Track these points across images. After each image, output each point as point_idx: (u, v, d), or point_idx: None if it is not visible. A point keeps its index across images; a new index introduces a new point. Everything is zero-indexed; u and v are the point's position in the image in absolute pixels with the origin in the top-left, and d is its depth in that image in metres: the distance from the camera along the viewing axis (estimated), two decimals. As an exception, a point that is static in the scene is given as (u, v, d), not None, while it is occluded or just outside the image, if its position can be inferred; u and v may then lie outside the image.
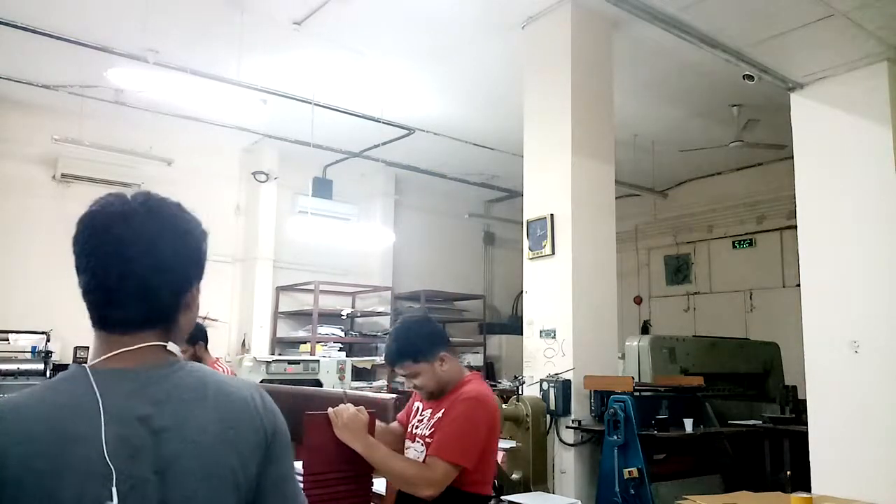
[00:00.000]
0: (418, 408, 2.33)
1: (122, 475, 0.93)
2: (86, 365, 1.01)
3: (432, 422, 2.18)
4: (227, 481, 1.01)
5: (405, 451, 2.26)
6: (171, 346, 1.07)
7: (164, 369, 1.04)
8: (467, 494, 2.10)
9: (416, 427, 2.26)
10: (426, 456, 2.11)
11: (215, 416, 1.03)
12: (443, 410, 2.17)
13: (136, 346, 1.02)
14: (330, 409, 2.00)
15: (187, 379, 1.05)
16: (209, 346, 4.09)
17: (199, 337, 3.96)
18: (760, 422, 5.23)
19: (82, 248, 1.06)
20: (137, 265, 1.02)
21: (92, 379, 0.98)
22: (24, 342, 6.12)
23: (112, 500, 0.91)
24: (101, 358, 1.02)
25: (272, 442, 1.08)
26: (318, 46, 5.46)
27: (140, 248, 1.03)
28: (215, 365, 3.93)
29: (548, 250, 4.72)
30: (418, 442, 2.20)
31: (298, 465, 1.93)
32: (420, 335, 2.25)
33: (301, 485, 1.83)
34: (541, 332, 4.75)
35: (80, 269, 1.05)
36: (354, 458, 2.00)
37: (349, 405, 2.04)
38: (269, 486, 1.07)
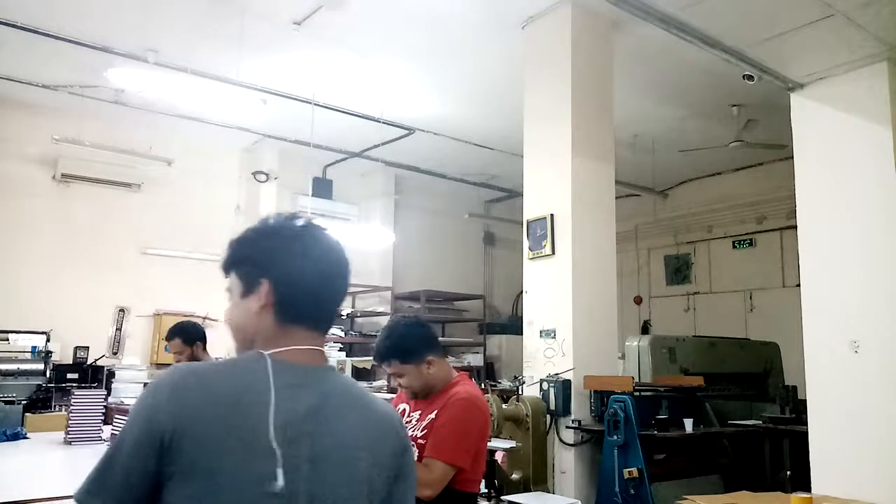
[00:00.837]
0: (405, 409, 2.33)
1: (283, 458, 1.00)
2: (264, 352, 1.09)
3: (423, 423, 2.19)
4: (364, 485, 1.07)
5: None
6: (327, 351, 1.19)
7: (327, 371, 1.14)
8: (459, 493, 2.12)
9: (408, 429, 2.26)
10: (423, 457, 2.11)
11: (364, 422, 1.11)
12: (435, 412, 2.18)
13: (307, 347, 1.12)
14: None
15: (342, 384, 1.15)
16: (208, 347, 4.08)
17: (196, 337, 3.95)
18: (760, 422, 5.23)
19: (299, 251, 1.14)
20: (344, 278, 1.19)
21: (269, 364, 1.06)
22: (24, 342, 6.12)
23: (277, 480, 0.98)
24: (278, 350, 1.10)
25: (404, 457, 1.16)
26: (318, 46, 5.46)
27: (343, 265, 1.19)
28: (214, 365, 3.92)
29: (548, 250, 4.72)
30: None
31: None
32: (410, 337, 2.25)
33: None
34: (541, 332, 4.75)
35: (291, 273, 1.13)
36: None
37: None
38: (397, 499, 1.14)
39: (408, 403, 2.34)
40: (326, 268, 1.16)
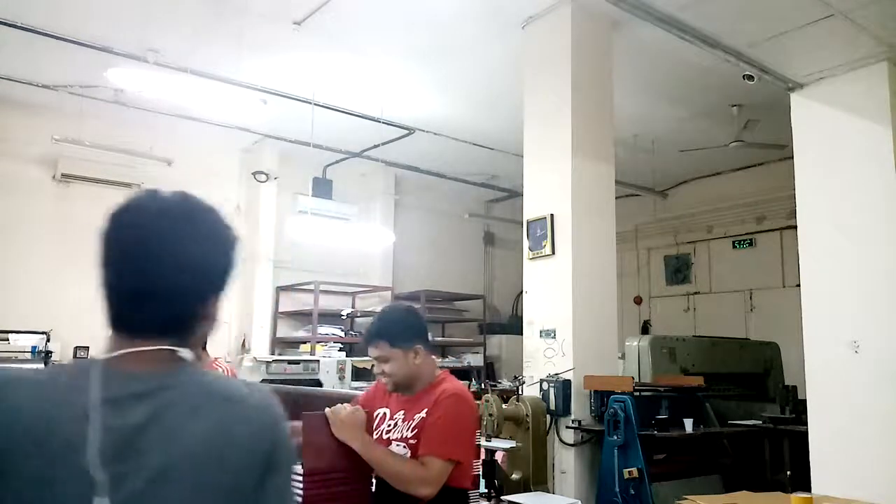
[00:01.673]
0: (384, 413, 2.30)
1: (111, 478, 0.88)
2: (95, 357, 0.97)
3: (413, 423, 2.16)
4: (220, 494, 0.96)
5: None
6: (184, 353, 1.01)
7: (170, 377, 0.98)
8: (452, 490, 2.10)
9: (389, 432, 2.23)
10: (416, 455, 2.10)
11: (216, 428, 0.97)
12: (425, 410, 2.16)
13: (145, 349, 0.97)
14: (327, 409, 2.01)
15: (192, 388, 1.00)
16: (208, 346, 4.08)
17: None
18: (760, 422, 5.23)
19: (108, 242, 1.00)
20: (164, 268, 0.97)
21: (95, 375, 0.94)
22: (24, 342, 6.12)
23: None
24: (110, 356, 0.97)
25: (274, 454, 1.02)
26: (318, 46, 5.46)
27: (169, 250, 0.98)
28: (214, 365, 3.93)
29: (548, 250, 4.72)
30: (399, 445, 2.18)
31: (297, 466, 1.93)
32: (401, 321, 2.27)
33: (301, 484, 1.83)
34: (541, 332, 4.75)
35: (103, 264, 0.99)
36: (354, 458, 2.00)
37: (346, 404, 2.05)
38: (267, 498, 1.02)
39: (388, 407, 2.30)
40: (142, 250, 0.97)
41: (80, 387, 0.92)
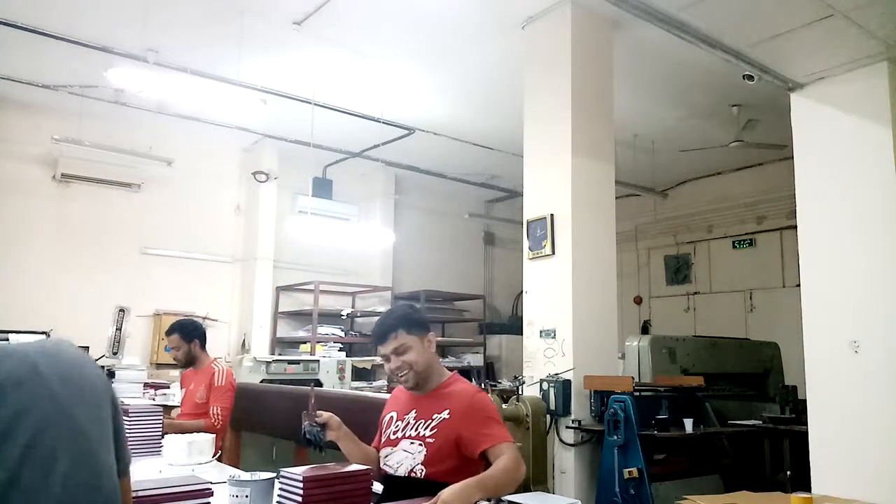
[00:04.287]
0: (392, 417, 2.28)
1: None
2: None
3: (432, 422, 2.14)
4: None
5: (385, 457, 2.22)
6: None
7: None
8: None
9: (401, 430, 2.21)
10: (489, 448, 2.06)
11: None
12: (446, 411, 2.13)
13: None
14: None
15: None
16: (208, 347, 4.07)
17: (195, 335, 3.94)
18: (760, 422, 5.22)
19: None
20: None
21: None
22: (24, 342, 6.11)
23: None
24: None
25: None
26: (318, 46, 5.46)
27: None
28: (212, 365, 3.91)
29: (548, 250, 4.72)
30: (414, 443, 2.15)
31: (297, 468, 1.92)
32: (410, 312, 2.30)
33: (301, 485, 1.83)
34: (541, 332, 4.75)
35: None
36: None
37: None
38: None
39: (395, 410, 2.29)
40: None
41: None
